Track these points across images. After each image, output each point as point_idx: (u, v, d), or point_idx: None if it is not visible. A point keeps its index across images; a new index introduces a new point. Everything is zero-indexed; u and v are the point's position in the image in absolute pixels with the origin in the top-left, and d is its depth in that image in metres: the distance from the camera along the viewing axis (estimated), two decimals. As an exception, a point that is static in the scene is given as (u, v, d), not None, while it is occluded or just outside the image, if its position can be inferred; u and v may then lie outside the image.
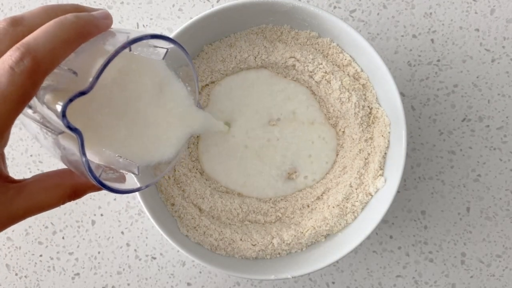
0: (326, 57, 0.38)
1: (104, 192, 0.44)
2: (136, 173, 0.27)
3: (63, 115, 0.20)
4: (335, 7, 0.44)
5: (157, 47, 0.26)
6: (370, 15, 0.43)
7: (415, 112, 0.43)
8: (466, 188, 0.43)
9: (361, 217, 0.37)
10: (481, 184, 0.42)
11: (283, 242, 0.37)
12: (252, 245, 0.37)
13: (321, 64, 0.37)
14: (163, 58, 0.26)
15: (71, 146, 0.22)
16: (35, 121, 0.24)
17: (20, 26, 0.22)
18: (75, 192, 0.26)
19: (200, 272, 0.44)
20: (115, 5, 0.45)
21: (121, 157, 0.26)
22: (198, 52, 0.38)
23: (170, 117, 0.29)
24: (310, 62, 0.37)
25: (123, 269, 0.44)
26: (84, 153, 0.21)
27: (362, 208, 0.37)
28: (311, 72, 0.37)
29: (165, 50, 0.25)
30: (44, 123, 0.23)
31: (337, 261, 0.36)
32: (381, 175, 0.37)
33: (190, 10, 0.45)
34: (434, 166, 0.43)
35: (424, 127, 0.43)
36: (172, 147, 0.30)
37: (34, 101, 0.22)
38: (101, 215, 0.44)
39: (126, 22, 0.45)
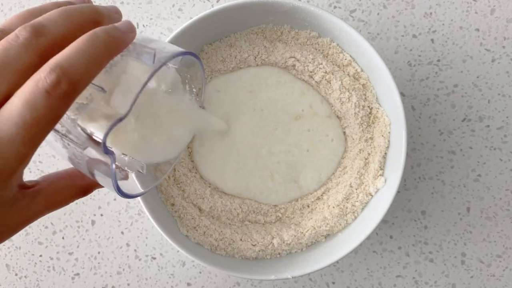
0: (326, 57, 0.38)
1: (104, 192, 0.44)
2: (143, 171, 0.27)
3: (104, 145, 0.21)
4: (335, 7, 0.44)
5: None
6: (370, 15, 0.43)
7: (415, 112, 0.43)
8: (466, 188, 0.43)
9: (361, 217, 0.37)
10: (481, 184, 0.42)
11: (283, 242, 0.37)
12: (252, 245, 0.37)
13: (321, 64, 0.37)
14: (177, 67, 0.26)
15: (95, 156, 0.23)
16: (54, 131, 0.24)
17: (43, 37, 0.20)
18: (85, 191, 0.27)
19: (200, 272, 0.44)
20: (114, 5, 0.45)
21: (126, 155, 0.27)
22: (198, 52, 0.38)
23: (177, 118, 0.29)
24: (310, 62, 0.37)
25: (123, 269, 0.44)
26: (114, 173, 0.22)
27: (362, 208, 0.37)
28: (311, 72, 0.37)
29: (179, 59, 0.26)
30: (66, 135, 0.23)
31: (337, 261, 0.36)
32: (381, 175, 0.37)
33: (190, 10, 0.45)
34: (434, 166, 0.43)
35: (424, 127, 0.43)
36: (177, 147, 0.30)
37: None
38: (101, 215, 0.44)
39: (126, 22, 0.45)
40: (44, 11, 0.23)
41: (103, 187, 0.26)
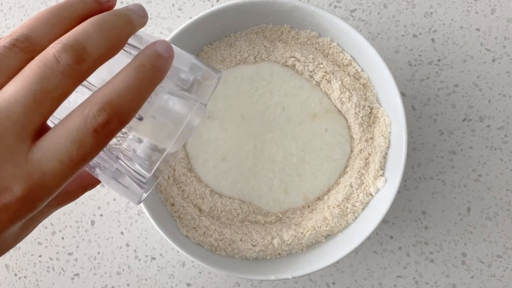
0: (327, 56, 0.38)
1: (104, 192, 0.44)
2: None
3: (147, 177, 0.21)
4: (335, 7, 0.44)
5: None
6: (370, 15, 0.43)
7: (416, 112, 0.43)
8: (466, 188, 0.42)
9: (362, 217, 0.37)
10: (481, 184, 0.42)
11: (283, 243, 0.37)
12: (252, 245, 0.37)
13: (322, 63, 0.37)
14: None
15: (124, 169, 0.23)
16: None
17: (85, 63, 0.19)
18: (93, 184, 0.27)
19: (200, 273, 0.43)
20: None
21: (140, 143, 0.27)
22: (198, 52, 0.38)
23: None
24: (310, 62, 0.37)
25: (123, 270, 0.44)
26: (141, 195, 0.23)
27: (363, 208, 0.37)
28: (311, 71, 0.37)
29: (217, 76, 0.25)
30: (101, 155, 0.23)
31: (337, 262, 0.36)
32: (382, 175, 0.37)
33: (190, 10, 0.44)
34: (435, 166, 0.43)
35: (424, 127, 0.43)
36: (186, 135, 0.30)
37: None
38: (101, 215, 0.44)
39: (125, 22, 0.45)
40: (69, 11, 0.21)
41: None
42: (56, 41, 0.19)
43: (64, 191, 0.25)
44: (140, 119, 0.22)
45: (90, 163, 0.23)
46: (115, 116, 0.19)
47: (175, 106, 0.22)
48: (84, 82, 0.22)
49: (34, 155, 0.19)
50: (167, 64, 0.21)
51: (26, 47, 0.20)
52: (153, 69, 0.20)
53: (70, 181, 0.24)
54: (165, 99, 0.22)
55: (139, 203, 0.24)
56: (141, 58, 0.21)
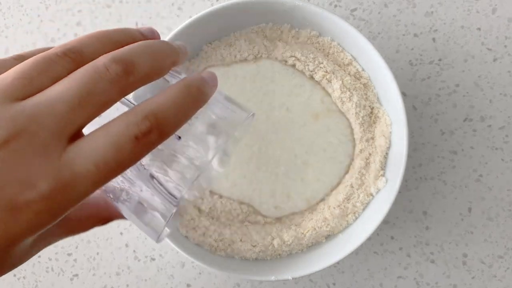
0: (327, 56, 0.38)
1: (103, 192, 0.44)
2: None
3: (179, 196, 0.21)
4: (336, 6, 0.43)
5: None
6: (371, 14, 0.43)
7: (417, 112, 0.43)
8: (467, 188, 0.42)
9: (362, 217, 0.37)
10: (482, 185, 0.42)
11: (284, 243, 0.36)
12: (252, 246, 0.36)
13: (322, 63, 0.37)
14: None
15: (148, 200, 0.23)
16: None
17: (131, 76, 0.20)
18: (105, 221, 0.26)
19: (200, 273, 0.43)
20: (114, 3, 0.45)
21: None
22: (197, 51, 0.38)
23: None
24: (310, 61, 0.37)
25: (122, 270, 0.44)
26: (164, 227, 0.22)
27: (363, 209, 0.37)
28: (311, 71, 0.37)
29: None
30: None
31: (337, 262, 0.36)
32: (382, 175, 0.36)
33: (190, 9, 0.44)
34: (436, 166, 0.42)
35: (425, 127, 0.43)
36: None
37: None
38: (100, 215, 0.44)
39: (125, 21, 0.44)
40: (119, 36, 0.22)
41: (125, 219, 0.25)
42: (106, 54, 0.20)
43: (76, 218, 0.24)
44: (178, 138, 0.22)
45: (115, 189, 0.23)
46: (157, 127, 0.19)
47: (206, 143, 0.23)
48: (123, 99, 0.22)
49: (69, 154, 0.18)
50: (211, 91, 0.22)
51: (76, 58, 0.20)
52: (198, 92, 0.21)
53: (86, 206, 0.24)
54: (200, 130, 0.23)
55: (159, 240, 0.23)
56: (188, 80, 0.22)
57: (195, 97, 0.21)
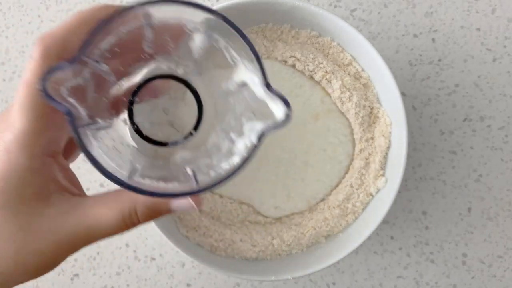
0: (327, 56, 0.38)
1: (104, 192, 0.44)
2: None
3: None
4: (335, 6, 0.43)
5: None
6: (370, 14, 0.43)
7: (416, 112, 0.43)
8: (467, 188, 0.42)
9: (362, 217, 0.37)
10: (482, 185, 0.42)
11: (284, 243, 0.37)
12: (252, 245, 0.37)
13: (322, 63, 0.37)
14: None
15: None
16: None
17: None
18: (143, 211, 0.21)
19: (200, 273, 0.43)
20: (115, 3, 0.45)
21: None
22: (197, 51, 0.38)
23: None
24: (310, 62, 0.37)
25: (122, 270, 0.44)
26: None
27: (363, 209, 0.37)
28: (311, 71, 0.37)
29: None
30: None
31: (337, 262, 0.36)
32: (382, 175, 0.36)
33: (190, 9, 0.44)
34: (435, 166, 0.43)
35: (425, 127, 0.43)
36: None
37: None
38: (100, 215, 0.44)
39: (125, 22, 0.44)
40: None
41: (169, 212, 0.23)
42: None
43: (99, 201, 0.22)
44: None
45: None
46: None
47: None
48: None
49: None
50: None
51: None
52: None
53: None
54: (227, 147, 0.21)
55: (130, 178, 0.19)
56: None
57: None
